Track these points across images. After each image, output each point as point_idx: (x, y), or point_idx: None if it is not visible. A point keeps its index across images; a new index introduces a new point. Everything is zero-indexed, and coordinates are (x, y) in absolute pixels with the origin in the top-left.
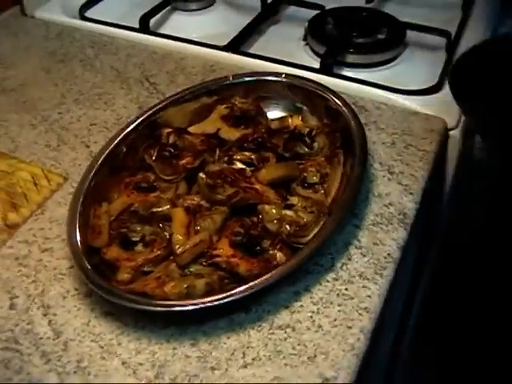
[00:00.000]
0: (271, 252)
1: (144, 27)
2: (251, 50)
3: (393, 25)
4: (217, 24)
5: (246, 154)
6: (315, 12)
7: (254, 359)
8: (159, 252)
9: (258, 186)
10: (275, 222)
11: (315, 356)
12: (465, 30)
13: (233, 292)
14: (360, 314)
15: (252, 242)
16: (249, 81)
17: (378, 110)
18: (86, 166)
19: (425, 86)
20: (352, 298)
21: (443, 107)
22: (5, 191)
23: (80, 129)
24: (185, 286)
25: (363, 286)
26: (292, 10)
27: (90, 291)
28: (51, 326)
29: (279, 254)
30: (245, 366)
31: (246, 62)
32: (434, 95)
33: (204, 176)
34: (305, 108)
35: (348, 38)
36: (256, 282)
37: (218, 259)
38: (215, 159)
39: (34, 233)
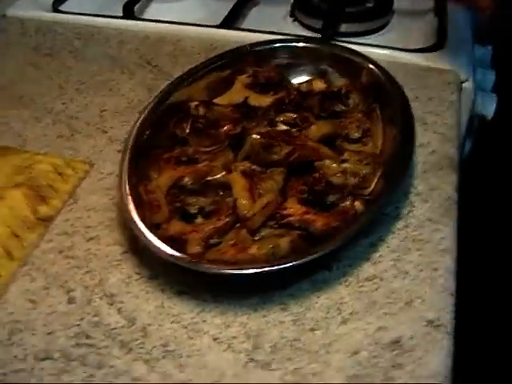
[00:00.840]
0: (343, 204)
1: (129, 14)
2: None
3: None
4: (196, 11)
5: (289, 115)
6: None
7: (351, 314)
8: (227, 219)
9: (310, 144)
10: (339, 175)
11: (411, 301)
12: None
13: (317, 248)
14: (441, 255)
15: (321, 197)
16: (265, 49)
17: (391, 70)
18: (109, 151)
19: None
20: (428, 242)
21: (452, 62)
22: (26, 185)
23: (91, 116)
24: (270, 246)
25: (435, 229)
26: None
27: (155, 273)
28: (121, 314)
29: (357, 203)
30: (344, 322)
31: (244, 37)
32: (439, 52)
33: (258, 136)
34: (330, 69)
35: (339, 7)
36: (340, 235)
37: (290, 218)
38: (256, 124)
39: (72, 223)
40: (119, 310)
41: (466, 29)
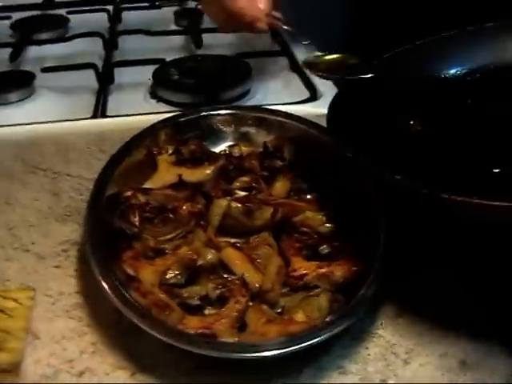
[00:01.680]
0: (346, 247)
1: None
2: None
3: (231, 60)
4: (47, 110)
5: (242, 179)
6: (145, 70)
7: (407, 353)
8: (246, 298)
9: (283, 201)
10: (326, 224)
11: None
12: None
13: (357, 300)
14: None
15: (317, 250)
16: (174, 124)
17: None
18: (45, 269)
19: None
20: None
21: None
22: None
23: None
24: (316, 308)
25: None
26: (120, 74)
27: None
28: None
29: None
30: (407, 363)
31: (125, 123)
32: (321, 99)
33: (238, 204)
34: (253, 131)
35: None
36: (369, 278)
37: (308, 278)
38: (211, 198)
39: (47, 362)
40: None
41: None
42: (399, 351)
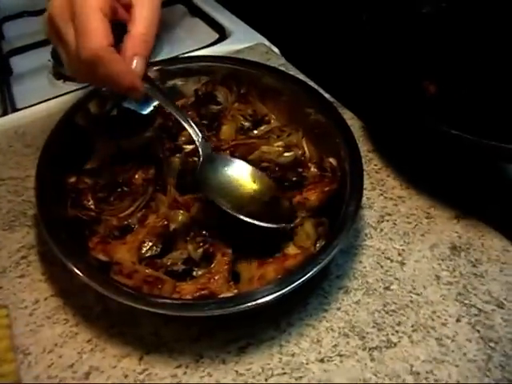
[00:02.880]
0: (311, 173)
1: None
2: None
3: None
4: None
5: (186, 133)
6: (43, 52)
7: (400, 254)
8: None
9: (235, 143)
10: (286, 154)
11: None
12: None
13: (341, 221)
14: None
15: (284, 181)
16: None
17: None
18: (7, 283)
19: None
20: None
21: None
22: None
23: None
24: (305, 236)
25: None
26: (16, 63)
27: (217, 355)
28: None
29: (331, 160)
30: (403, 264)
31: (40, 111)
32: (231, 38)
33: (194, 158)
34: (179, 82)
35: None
36: (350, 193)
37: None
38: (163, 158)
39: (47, 375)
40: None
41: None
42: (392, 255)
